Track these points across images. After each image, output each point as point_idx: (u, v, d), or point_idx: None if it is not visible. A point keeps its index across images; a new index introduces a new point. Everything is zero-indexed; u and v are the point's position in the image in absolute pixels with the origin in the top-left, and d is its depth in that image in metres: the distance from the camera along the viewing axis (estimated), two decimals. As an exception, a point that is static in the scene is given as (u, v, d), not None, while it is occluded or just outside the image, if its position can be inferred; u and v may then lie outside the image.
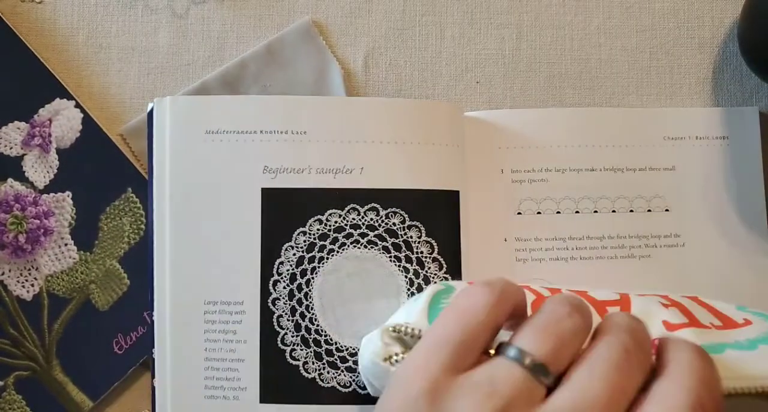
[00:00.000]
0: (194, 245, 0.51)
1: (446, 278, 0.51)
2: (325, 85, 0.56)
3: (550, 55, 0.58)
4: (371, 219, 0.52)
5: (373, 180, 0.52)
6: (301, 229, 0.51)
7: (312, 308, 0.51)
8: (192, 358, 0.51)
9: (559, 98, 0.58)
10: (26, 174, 0.54)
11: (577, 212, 0.55)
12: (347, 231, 0.51)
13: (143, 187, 0.54)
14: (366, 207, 0.52)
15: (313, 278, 0.51)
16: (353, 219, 0.51)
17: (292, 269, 0.51)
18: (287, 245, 0.51)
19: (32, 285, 0.53)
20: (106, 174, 0.54)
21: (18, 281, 0.53)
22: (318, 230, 0.51)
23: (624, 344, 0.32)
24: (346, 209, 0.51)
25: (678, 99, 0.58)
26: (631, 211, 0.55)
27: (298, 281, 0.51)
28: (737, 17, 0.58)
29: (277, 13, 0.57)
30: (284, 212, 0.51)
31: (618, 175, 0.56)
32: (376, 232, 0.51)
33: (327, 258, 0.51)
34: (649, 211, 0.56)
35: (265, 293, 0.51)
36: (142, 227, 0.54)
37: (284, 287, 0.51)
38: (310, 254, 0.51)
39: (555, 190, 0.55)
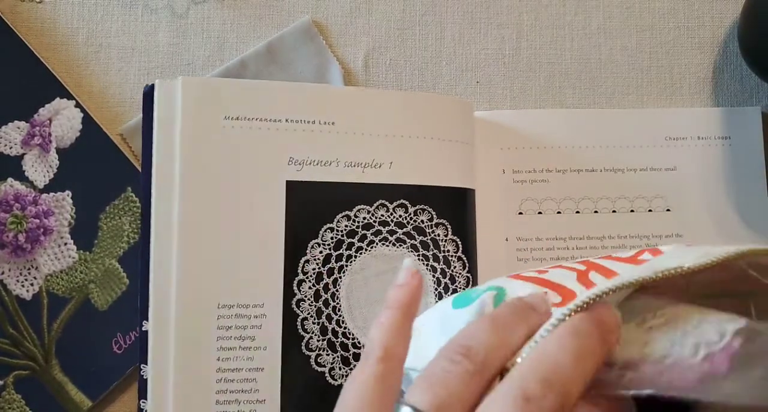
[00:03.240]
0: (208, 243, 0.46)
1: (468, 278, 0.50)
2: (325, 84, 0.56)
3: (550, 55, 0.58)
4: (400, 216, 0.49)
5: (403, 176, 0.49)
6: (329, 225, 0.48)
7: (339, 310, 0.48)
8: (201, 370, 0.46)
9: (559, 98, 0.57)
10: (26, 173, 0.54)
11: (577, 212, 0.55)
12: (376, 228, 0.49)
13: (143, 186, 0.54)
14: (395, 203, 0.49)
15: (340, 277, 0.48)
16: (381, 215, 0.49)
17: (319, 268, 0.48)
18: (313, 241, 0.48)
19: (32, 284, 0.53)
20: (106, 174, 0.54)
21: (18, 281, 0.53)
22: (346, 226, 0.48)
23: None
24: (375, 204, 0.49)
25: (678, 99, 0.58)
26: (632, 211, 0.55)
27: (324, 281, 0.48)
28: (737, 17, 0.58)
29: (277, 13, 0.57)
30: (310, 206, 0.47)
31: (619, 175, 0.56)
32: (404, 229, 0.49)
33: (355, 256, 0.48)
34: (650, 211, 0.55)
35: (288, 294, 0.47)
36: (142, 226, 0.54)
37: (310, 288, 0.47)
38: (338, 252, 0.48)
39: (556, 191, 0.55)
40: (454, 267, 0.50)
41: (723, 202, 0.56)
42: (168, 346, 0.46)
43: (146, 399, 0.47)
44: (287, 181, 0.47)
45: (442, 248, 0.49)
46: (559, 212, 0.55)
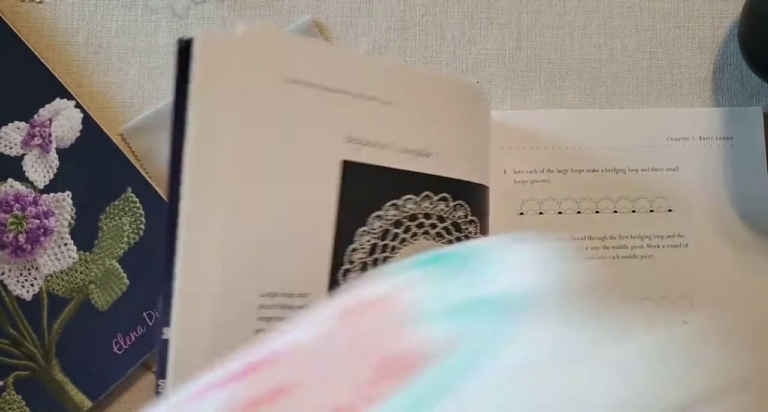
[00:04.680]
0: (252, 223, 0.40)
1: None
2: (325, 85, 0.56)
3: (551, 55, 0.58)
4: (441, 209, 0.46)
5: (447, 168, 0.46)
6: (378, 213, 0.44)
7: None
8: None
9: (560, 98, 0.57)
10: (26, 174, 0.53)
11: (579, 212, 0.55)
12: (419, 220, 0.45)
13: (143, 187, 0.54)
14: (438, 196, 0.46)
15: None
16: (426, 207, 0.45)
17: (365, 258, 0.44)
18: (362, 229, 0.44)
19: (32, 285, 0.53)
20: (106, 174, 0.54)
21: (18, 281, 0.53)
22: (394, 215, 0.44)
23: None
24: (422, 195, 0.45)
25: (678, 99, 0.58)
26: (634, 211, 0.55)
27: (369, 272, 0.44)
28: (737, 17, 0.58)
29: (277, 13, 0.57)
30: (363, 191, 0.43)
31: (620, 175, 0.56)
32: (444, 224, 0.46)
33: (399, 248, 0.45)
34: (652, 211, 0.55)
35: (333, 284, 0.42)
36: (142, 226, 0.54)
37: (355, 278, 0.43)
38: (384, 242, 0.45)
39: (557, 191, 0.55)
40: None
41: (725, 202, 0.56)
42: (199, 344, 0.39)
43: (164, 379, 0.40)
44: (344, 161, 0.42)
45: (462, 231, 0.47)
46: (560, 213, 0.55)
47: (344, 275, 0.43)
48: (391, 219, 0.44)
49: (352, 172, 0.43)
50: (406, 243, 0.45)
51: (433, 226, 0.46)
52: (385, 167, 0.44)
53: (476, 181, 0.48)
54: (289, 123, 0.41)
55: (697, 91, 0.58)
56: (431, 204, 0.45)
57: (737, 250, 0.55)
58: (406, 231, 0.45)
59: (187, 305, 0.39)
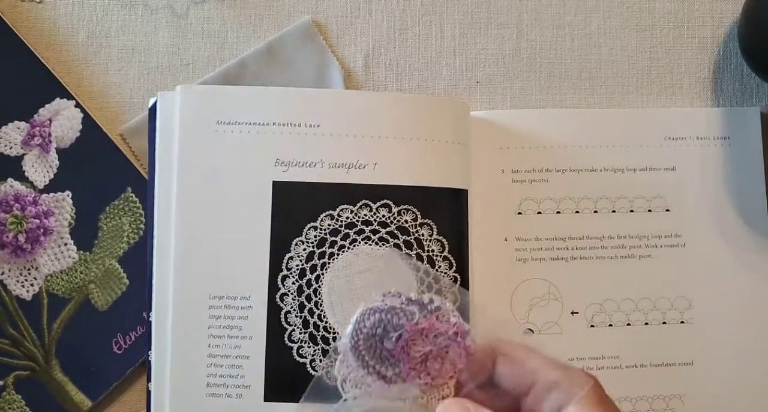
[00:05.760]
0: (201, 238, 0.50)
1: (455, 277, 0.51)
2: (325, 85, 0.56)
3: (550, 55, 0.58)
4: (383, 216, 0.51)
5: (387, 176, 0.51)
6: (312, 224, 0.50)
7: (321, 305, 0.50)
8: (194, 354, 0.50)
9: (559, 98, 0.57)
10: (26, 174, 0.54)
11: (577, 212, 0.55)
12: (359, 227, 0.50)
13: (143, 187, 0.54)
14: (378, 203, 0.51)
15: (322, 274, 0.50)
16: (365, 215, 0.50)
17: (302, 265, 0.50)
18: (297, 239, 0.50)
19: (32, 285, 0.53)
20: (106, 174, 0.54)
21: (18, 281, 0.53)
22: (329, 225, 0.50)
23: None
24: (358, 204, 0.50)
25: (678, 98, 0.58)
26: (632, 211, 0.55)
27: (307, 277, 0.50)
28: (737, 17, 0.58)
29: (277, 13, 0.57)
30: (295, 206, 0.50)
31: (618, 175, 0.56)
32: (387, 229, 0.50)
33: (337, 254, 0.50)
34: (650, 211, 0.56)
35: (273, 288, 0.50)
36: (142, 226, 0.54)
37: (293, 283, 0.50)
38: (321, 250, 0.50)
39: (555, 191, 0.55)
40: (439, 267, 0.50)
41: (722, 202, 0.56)
42: (166, 332, 0.50)
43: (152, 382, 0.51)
44: (273, 182, 0.50)
45: (426, 248, 0.50)
46: (558, 212, 0.55)
47: (282, 280, 0.50)
48: (326, 228, 0.50)
49: (284, 190, 0.50)
50: (345, 249, 0.50)
51: (375, 232, 0.50)
52: (317, 182, 0.50)
53: (425, 185, 0.51)
54: (225, 155, 0.50)
55: (696, 91, 0.58)
56: (371, 211, 0.50)
57: (734, 249, 0.55)
58: (344, 238, 0.50)
59: (159, 299, 0.50)
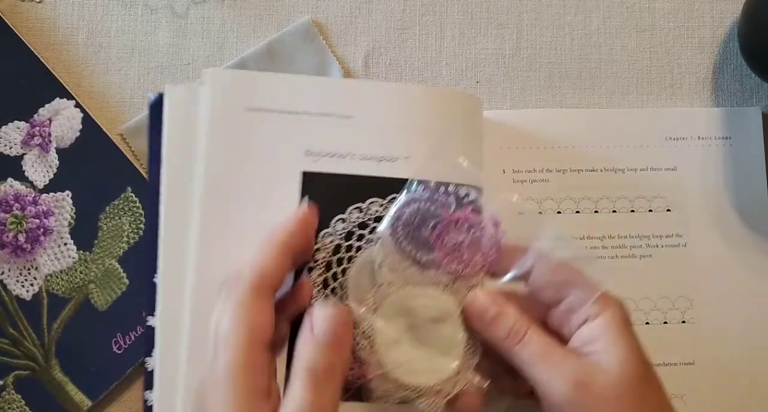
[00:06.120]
0: (228, 229, 0.47)
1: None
2: (325, 85, 0.56)
3: (550, 54, 0.58)
4: None
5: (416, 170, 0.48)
6: (341, 216, 0.48)
7: (346, 298, 0.47)
8: None
9: (559, 98, 0.57)
10: (26, 174, 0.54)
11: (577, 212, 0.55)
12: None
13: (143, 187, 0.54)
14: None
15: (349, 266, 0.48)
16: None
17: (328, 257, 0.47)
18: (325, 231, 0.48)
19: (32, 285, 0.53)
20: (106, 174, 0.54)
21: (17, 281, 0.53)
22: (357, 217, 0.48)
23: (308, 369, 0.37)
24: (388, 198, 0.48)
25: (678, 98, 0.58)
26: (632, 211, 0.55)
27: (333, 270, 0.47)
28: (737, 17, 0.58)
29: (277, 13, 0.57)
30: (324, 197, 0.48)
31: (619, 175, 0.56)
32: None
33: (364, 247, 0.48)
34: (651, 211, 0.55)
35: (298, 280, 0.47)
36: (142, 226, 0.54)
37: (319, 275, 0.47)
38: (348, 243, 0.48)
39: (556, 190, 0.55)
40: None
41: (723, 202, 0.56)
42: (181, 333, 0.46)
43: (151, 390, 0.47)
44: (303, 172, 0.48)
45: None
46: (559, 212, 0.55)
47: (308, 272, 0.47)
48: (354, 221, 0.48)
49: (313, 181, 0.47)
50: (372, 243, 0.47)
51: None
52: (347, 174, 0.48)
53: (452, 181, 0.48)
54: (254, 143, 0.47)
55: (696, 91, 0.58)
56: None
57: (735, 249, 0.55)
58: (372, 232, 0.48)
59: (170, 293, 0.46)
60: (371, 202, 0.48)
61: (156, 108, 0.49)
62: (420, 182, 0.45)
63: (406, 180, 0.47)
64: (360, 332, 0.44)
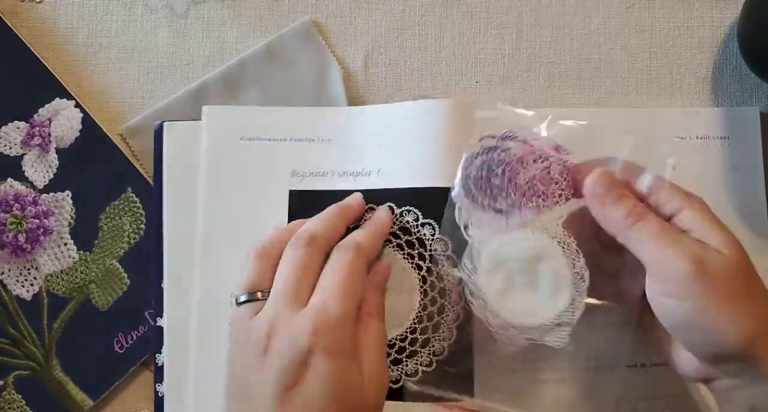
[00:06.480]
0: (225, 245, 0.53)
1: (461, 279, 0.51)
2: (325, 84, 0.56)
3: (550, 54, 0.58)
4: None
5: (390, 180, 0.53)
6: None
7: (444, 267, 0.51)
8: (219, 356, 0.50)
9: (559, 98, 0.57)
10: (26, 174, 0.54)
11: (577, 211, 0.55)
12: None
13: (143, 187, 0.54)
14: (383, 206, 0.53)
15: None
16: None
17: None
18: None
19: (32, 285, 0.53)
20: (106, 174, 0.54)
21: (18, 281, 0.53)
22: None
23: (345, 262, 0.45)
24: (366, 208, 0.52)
25: (678, 99, 0.58)
26: (632, 211, 0.55)
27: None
28: (737, 17, 0.58)
29: (277, 13, 0.57)
30: (310, 211, 0.52)
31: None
32: (391, 230, 0.52)
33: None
34: (650, 211, 0.55)
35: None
36: (142, 226, 0.54)
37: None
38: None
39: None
40: (443, 266, 0.51)
41: (722, 201, 0.56)
42: (188, 337, 0.52)
43: (161, 383, 0.53)
44: (290, 191, 0.54)
45: (428, 247, 0.51)
46: (558, 213, 0.55)
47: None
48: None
49: (299, 198, 0.54)
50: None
51: None
52: (328, 190, 0.54)
53: (426, 186, 0.52)
54: (247, 167, 0.54)
55: (696, 91, 0.58)
56: None
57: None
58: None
59: (174, 305, 0.53)
60: None
61: (159, 134, 0.55)
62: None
63: (381, 191, 0.53)
64: (468, 293, 0.47)
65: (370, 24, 0.58)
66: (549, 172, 0.47)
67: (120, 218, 0.54)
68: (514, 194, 0.46)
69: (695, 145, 0.56)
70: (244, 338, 0.43)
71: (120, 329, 0.53)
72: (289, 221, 0.53)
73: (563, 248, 0.46)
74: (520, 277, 0.46)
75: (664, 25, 0.59)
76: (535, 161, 0.47)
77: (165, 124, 0.55)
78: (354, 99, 0.56)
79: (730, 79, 0.58)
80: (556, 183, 0.46)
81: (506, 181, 0.46)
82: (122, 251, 0.54)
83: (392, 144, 0.54)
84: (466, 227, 0.47)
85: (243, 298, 0.45)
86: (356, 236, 0.48)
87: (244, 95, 0.56)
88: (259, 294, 0.45)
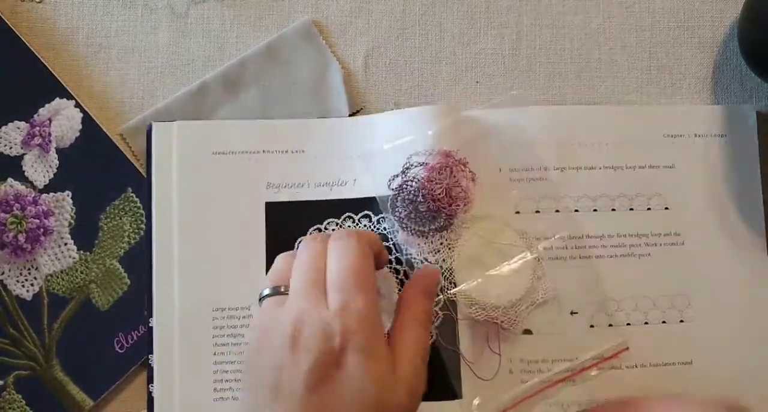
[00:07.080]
0: (203, 257, 0.54)
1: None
2: (325, 84, 0.56)
3: (550, 54, 0.58)
4: (365, 225, 0.54)
5: (365, 190, 0.54)
6: (303, 238, 0.54)
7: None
8: (201, 362, 0.53)
9: (559, 98, 0.58)
10: (26, 174, 0.54)
11: (576, 210, 0.55)
12: None
13: (143, 187, 0.54)
14: (359, 215, 0.54)
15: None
16: (349, 226, 0.54)
17: None
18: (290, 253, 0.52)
19: (32, 285, 0.53)
20: (106, 174, 0.54)
21: (18, 281, 0.53)
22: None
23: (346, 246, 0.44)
24: (342, 217, 0.54)
25: (678, 98, 0.58)
26: (631, 209, 0.56)
27: None
28: (737, 17, 0.58)
29: (277, 13, 0.57)
30: (287, 222, 0.54)
31: (617, 173, 0.56)
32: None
33: None
34: (649, 209, 0.56)
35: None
36: (142, 226, 0.54)
37: None
38: None
39: (554, 189, 0.55)
40: (419, 269, 0.52)
41: (720, 199, 0.56)
42: (172, 342, 0.53)
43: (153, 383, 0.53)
44: (266, 203, 0.55)
45: (404, 252, 0.53)
46: (557, 211, 0.55)
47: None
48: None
49: (276, 210, 0.54)
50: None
51: None
52: (305, 201, 0.55)
53: None
54: (221, 181, 0.55)
55: (696, 91, 0.58)
56: (354, 222, 0.55)
57: (732, 247, 0.56)
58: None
59: (161, 309, 0.53)
60: (328, 222, 0.55)
61: (150, 135, 0.55)
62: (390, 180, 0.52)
63: (358, 200, 0.55)
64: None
65: (370, 24, 0.58)
66: (456, 178, 0.51)
67: (120, 218, 0.54)
68: (446, 209, 0.51)
69: (693, 144, 0.57)
70: (269, 327, 0.43)
71: (120, 329, 0.53)
72: (268, 233, 0.54)
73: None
74: (487, 268, 0.53)
75: (665, 25, 0.59)
76: (440, 173, 0.51)
77: (153, 124, 0.55)
78: (354, 99, 0.56)
79: (730, 79, 0.58)
80: (465, 191, 0.52)
81: (430, 200, 0.51)
82: (122, 251, 0.54)
83: (365, 154, 0.55)
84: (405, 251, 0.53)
85: (266, 292, 0.45)
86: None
87: (244, 95, 0.56)
88: (282, 288, 0.45)
